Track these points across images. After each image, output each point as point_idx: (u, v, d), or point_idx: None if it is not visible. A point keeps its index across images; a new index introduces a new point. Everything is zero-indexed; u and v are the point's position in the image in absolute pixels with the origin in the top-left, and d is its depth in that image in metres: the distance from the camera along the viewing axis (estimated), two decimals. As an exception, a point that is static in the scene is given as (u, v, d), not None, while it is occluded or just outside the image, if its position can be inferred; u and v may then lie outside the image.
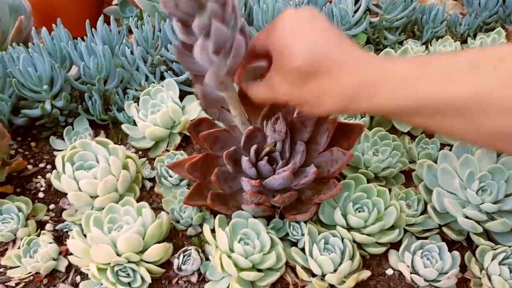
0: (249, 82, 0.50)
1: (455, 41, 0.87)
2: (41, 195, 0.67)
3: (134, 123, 0.75)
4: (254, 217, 0.58)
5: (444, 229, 0.60)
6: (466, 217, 0.56)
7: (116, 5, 1.13)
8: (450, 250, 0.55)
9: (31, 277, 0.57)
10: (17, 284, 0.56)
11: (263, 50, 0.46)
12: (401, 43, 0.93)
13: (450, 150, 0.63)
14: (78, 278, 0.57)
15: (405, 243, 0.58)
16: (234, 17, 0.42)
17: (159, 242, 0.56)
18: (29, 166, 0.71)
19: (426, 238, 0.59)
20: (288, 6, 0.81)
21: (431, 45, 0.92)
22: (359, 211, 0.59)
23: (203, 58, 0.42)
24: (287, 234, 0.60)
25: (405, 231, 0.60)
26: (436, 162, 0.63)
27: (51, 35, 0.73)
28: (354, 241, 0.57)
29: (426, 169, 0.62)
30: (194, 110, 0.76)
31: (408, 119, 0.38)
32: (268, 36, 0.43)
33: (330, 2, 0.87)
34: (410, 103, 0.35)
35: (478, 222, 0.56)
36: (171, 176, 0.67)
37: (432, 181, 0.62)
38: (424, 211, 0.62)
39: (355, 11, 0.84)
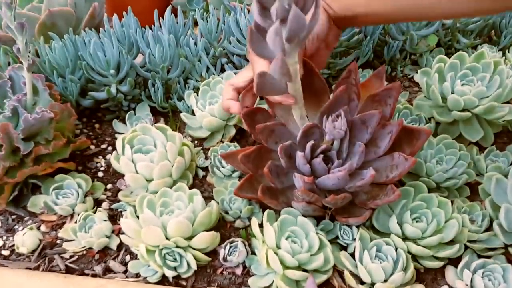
0: None
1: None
2: (100, 174, 0.70)
3: (193, 113, 0.76)
4: (304, 216, 0.57)
5: (511, 250, 0.55)
6: (538, 239, 0.51)
7: (184, -2, 1.16)
8: (516, 273, 0.51)
9: (84, 252, 0.59)
10: (71, 256, 0.59)
11: None
12: (475, 47, 0.87)
13: (524, 165, 0.58)
14: (127, 257, 0.59)
15: (465, 260, 0.53)
16: (314, 7, 0.41)
17: (207, 231, 0.56)
18: (92, 146, 0.74)
19: (489, 257, 0.55)
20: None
21: (508, 52, 0.85)
22: (416, 221, 0.55)
23: (275, 43, 0.41)
24: (337, 237, 0.58)
25: (466, 247, 0.56)
26: (506, 177, 0.58)
27: (121, 22, 0.76)
28: (409, 252, 0.54)
29: (495, 183, 0.57)
30: (251, 103, 0.76)
31: None
32: None
33: None
34: None
35: (552, 246, 0.51)
36: (223, 167, 0.67)
37: (500, 197, 0.57)
38: (489, 228, 0.57)
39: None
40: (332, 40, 0.63)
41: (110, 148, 0.75)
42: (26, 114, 0.58)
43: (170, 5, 0.82)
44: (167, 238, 0.54)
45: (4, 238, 0.62)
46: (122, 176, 0.69)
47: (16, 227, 0.63)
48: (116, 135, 0.76)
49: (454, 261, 0.55)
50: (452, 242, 0.55)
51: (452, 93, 0.67)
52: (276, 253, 0.52)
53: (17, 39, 0.57)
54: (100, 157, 0.73)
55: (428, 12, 0.57)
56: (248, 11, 0.79)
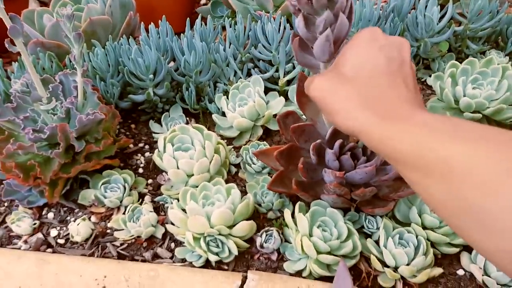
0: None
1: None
2: (140, 170, 0.76)
3: (223, 114, 0.82)
4: (332, 207, 0.63)
5: (520, 238, 0.61)
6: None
7: (205, 4, 1.22)
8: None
9: (133, 240, 0.65)
10: (121, 244, 0.65)
11: None
12: (483, 53, 0.93)
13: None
14: (172, 245, 0.65)
15: (479, 246, 0.59)
16: (349, 11, 0.48)
17: (245, 220, 0.62)
18: (131, 145, 0.80)
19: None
20: (373, 11, 0.85)
21: (515, 57, 0.91)
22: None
23: (324, 49, 0.47)
24: (362, 227, 0.64)
25: (479, 235, 0.62)
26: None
27: (158, 30, 0.82)
28: (428, 239, 0.60)
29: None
30: (277, 105, 0.82)
31: (394, 163, 0.38)
32: None
33: (414, 9, 0.89)
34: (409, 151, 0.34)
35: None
36: (254, 164, 0.73)
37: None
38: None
39: (439, 19, 0.86)
40: None
41: (147, 146, 0.81)
42: (80, 115, 0.64)
43: (200, 15, 0.88)
44: (211, 227, 0.60)
45: (58, 228, 0.68)
46: (161, 171, 0.75)
47: (68, 218, 0.69)
48: (153, 135, 0.83)
49: (468, 248, 0.61)
50: (466, 231, 0.61)
51: (464, 96, 0.73)
52: (309, 240, 0.58)
53: (73, 48, 0.63)
54: (139, 154, 0.79)
55: None
56: (274, 19, 0.85)
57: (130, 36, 0.83)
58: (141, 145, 0.81)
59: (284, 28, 0.84)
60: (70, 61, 0.82)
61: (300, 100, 0.62)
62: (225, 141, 0.83)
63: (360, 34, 0.46)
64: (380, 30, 0.46)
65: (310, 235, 0.59)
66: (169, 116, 0.83)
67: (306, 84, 0.49)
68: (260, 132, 0.81)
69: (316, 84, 0.45)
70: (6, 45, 0.62)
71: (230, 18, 0.91)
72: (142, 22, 0.87)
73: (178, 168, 0.68)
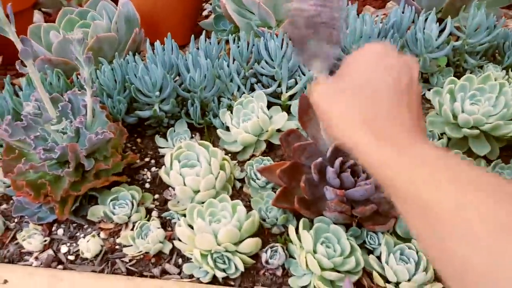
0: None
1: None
2: (147, 185, 0.78)
3: (227, 129, 0.84)
4: (334, 224, 0.65)
5: None
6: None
7: (207, 17, 1.24)
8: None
9: (142, 256, 0.67)
10: (130, 260, 0.67)
11: None
12: (481, 67, 0.95)
13: (528, 177, 0.66)
14: (180, 260, 0.67)
15: (477, 261, 0.61)
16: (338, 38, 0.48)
17: (251, 237, 0.64)
18: (137, 160, 0.82)
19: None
20: (374, 28, 0.86)
21: (511, 71, 0.93)
22: (434, 228, 0.63)
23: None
24: (364, 242, 0.66)
25: (477, 250, 0.64)
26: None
27: (163, 47, 0.84)
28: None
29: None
30: (280, 120, 0.84)
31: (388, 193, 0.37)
32: None
33: (413, 23, 0.91)
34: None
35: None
36: (258, 179, 0.75)
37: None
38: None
39: (438, 35, 0.88)
40: None
41: (153, 161, 0.83)
42: (90, 135, 0.66)
43: (204, 30, 0.90)
44: (217, 244, 0.62)
45: (68, 244, 0.70)
46: (167, 186, 0.77)
47: (78, 234, 0.71)
48: (158, 149, 0.84)
49: (467, 263, 0.63)
50: (465, 246, 0.63)
51: (463, 112, 0.75)
52: (314, 257, 0.60)
53: (83, 69, 0.65)
54: (146, 169, 0.81)
55: None
56: (276, 35, 0.87)
57: (136, 53, 0.85)
58: (147, 159, 0.83)
59: (287, 44, 0.86)
60: (78, 78, 0.84)
61: (302, 119, 0.65)
62: (230, 155, 0.84)
63: (371, 47, 0.44)
64: (394, 47, 0.45)
65: (315, 251, 0.61)
66: (175, 131, 0.85)
67: (310, 90, 0.47)
68: (263, 146, 0.83)
69: (319, 91, 0.44)
70: (17, 67, 0.64)
71: (233, 34, 0.93)
72: (147, 38, 0.89)
73: (185, 184, 0.70)
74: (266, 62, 0.88)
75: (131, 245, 0.68)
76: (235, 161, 0.82)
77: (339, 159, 0.65)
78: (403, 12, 0.90)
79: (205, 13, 1.31)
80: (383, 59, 0.43)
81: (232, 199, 0.72)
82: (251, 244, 0.63)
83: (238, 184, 0.78)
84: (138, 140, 0.88)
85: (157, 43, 0.84)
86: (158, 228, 0.68)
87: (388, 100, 0.41)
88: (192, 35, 0.87)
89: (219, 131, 0.83)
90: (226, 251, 0.62)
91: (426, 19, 0.88)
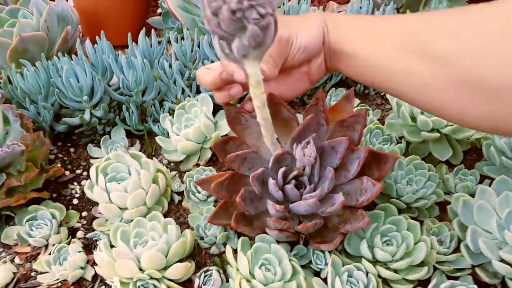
0: None
1: None
2: (75, 201, 0.70)
3: (169, 135, 0.76)
4: (278, 242, 0.58)
5: (477, 270, 0.56)
6: (502, 260, 0.53)
7: (160, 14, 1.16)
8: (482, 294, 0.52)
9: (59, 284, 0.59)
10: (46, 289, 0.59)
11: None
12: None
13: (490, 184, 0.59)
14: (103, 288, 0.59)
15: (434, 282, 0.55)
16: (272, 40, 0.41)
17: (181, 260, 0.57)
18: (67, 172, 0.74)
19: (457, 278, 0.56)
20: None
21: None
22: (387, 244, 0.57)
23: None
24: (310, 262, 0.59)
25: (435, 268, 0.58)
26: (473, 196, 0.60)
27: (94, 47, 0.76)
28: (379, 276, 0.55)
29: (462, 205, 0.59)
30: (226, 125, 0.76)
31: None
32: None
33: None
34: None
35: (516, 267, 0.53)
36: (199, 192, 0.67)
37: (467, 218, 0.59)
38: (457, 249, 0.58)
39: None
40: (315, 71, 0.59)
41: (85, 173, 0.75)
42: (-3, 148, 0.58)
43: (144, 27, 0.82)
44: (141, 270, 0.54)
45: (-23, 271, 0.61)
46: (97, 203, 0.69)
47: (-11, 259, 0.62)
48: (91, 160, 0.76)
49: (423, 283, 0.56)
50: (421, 265, 0.56)
51: (422, 113, 0.69)
52: (249, 281, 0.53)
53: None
54: (75, 183, 0.73)
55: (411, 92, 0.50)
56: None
57: (66, 54, 0.76)
58: (78, 171, 0.75)
59: (233, 42, 0.79)
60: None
61: (235, 129, 0.57)
62: (172, 165, 0.77)
63: None
64: None
65: (252, 276, 0.54)
66: (110, 139, 0.77)
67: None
68: (209, 154, 0.76)
69: None
70: None
71: (177, 31, 0.85)
72: (87, 38, 0.80)
73: (110, 201, 0.62)
74: (212, 62, 0.80)
75: (48, 272, 0.60)
76: (175, 172, 0.74)
77: (282, 170, 0.58)
78: (360, 8, 0.84)
79: (159, 10, 1.23)
80: None
81: (168, 216, 0.64)
82: (180, 269, 0.55)
83: (177, 198, 0.70)
84: (72, 149, 0.79)
85: (88, 42, 0.76)
86: (79, 251, 0.60)
87: None
88: (129, 33, 0.79)
89: (158, 139, 0.75)
90: (151, 278, 0.55)
91: (384, 13, 0.82)
